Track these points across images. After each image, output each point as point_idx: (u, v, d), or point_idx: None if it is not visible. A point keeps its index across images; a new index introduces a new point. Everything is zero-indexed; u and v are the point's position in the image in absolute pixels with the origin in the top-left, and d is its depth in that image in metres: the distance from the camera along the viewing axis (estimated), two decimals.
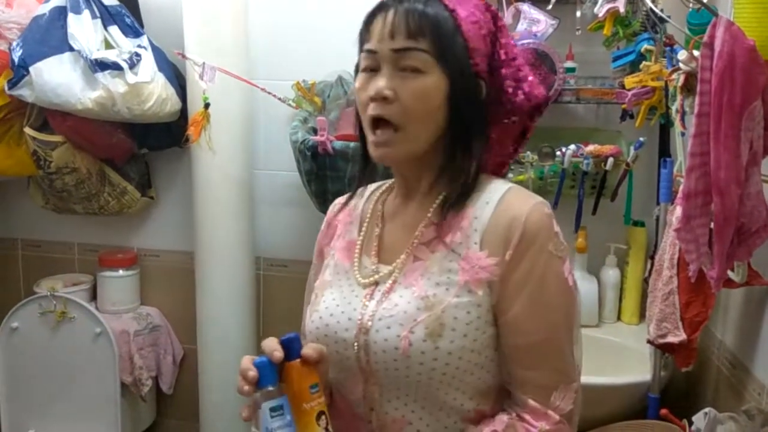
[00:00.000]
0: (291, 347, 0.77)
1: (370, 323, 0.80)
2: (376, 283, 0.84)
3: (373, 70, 0.80)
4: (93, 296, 2.15)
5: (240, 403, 0.81)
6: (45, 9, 1.77)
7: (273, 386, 0.74)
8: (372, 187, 0.96)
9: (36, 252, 2.28)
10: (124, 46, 1.79)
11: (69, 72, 1.72)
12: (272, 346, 0.76)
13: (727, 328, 1.46)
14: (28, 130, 1.85)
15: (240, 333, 1.97)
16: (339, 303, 0.86)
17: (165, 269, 2.18)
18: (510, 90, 0.83)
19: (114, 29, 1.80)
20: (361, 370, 0.82)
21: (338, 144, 1.67)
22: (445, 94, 0.79)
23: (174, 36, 1.85)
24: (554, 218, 0.80)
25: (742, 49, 0.96)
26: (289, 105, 1.84)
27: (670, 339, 1.35)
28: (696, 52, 1.19)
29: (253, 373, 0.74)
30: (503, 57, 0.83)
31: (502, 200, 0.80)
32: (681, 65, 1.27)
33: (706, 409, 1.20)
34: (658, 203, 1.55)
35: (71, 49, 1.72)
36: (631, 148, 1.67)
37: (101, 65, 1.71)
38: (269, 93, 1.82)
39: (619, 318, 1.81)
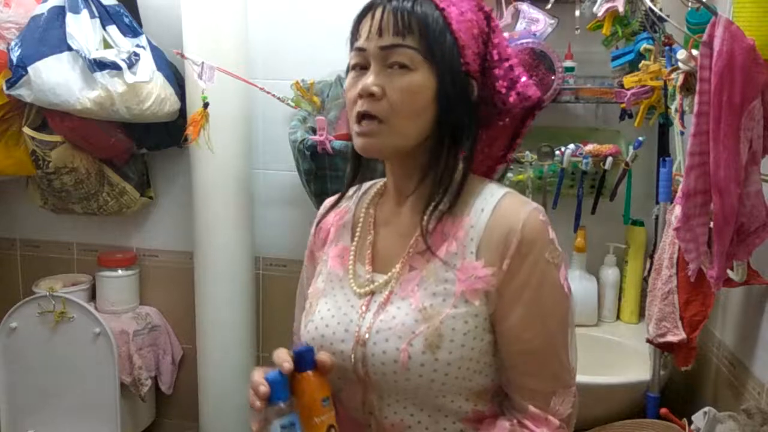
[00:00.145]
0: (304, 358, 0.76)
1: (367, 335, 0.80)
2: (372, 293, 0.83)
3: (362, 68, 0.80)
4: (92, 296, 2.14)
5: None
6: (43, 9, 1.77)
7: (284, 402, 0.73)
8: (364, 187, 0.95)
9: (35, 252, 2.28)
10: (122, 45, 1.79)
11: (67, 72, 1.72)
12: (282, 357, 0.75)
13: (727, 327, 1.46)
14: (26, 130, 1.85)
15: (239, 333, 1.97)
16: (334, 313, 0.85)
17: (164, 269, 2.18)
18: (503, 90, 0.82)
19: (112, 29, 1.80)
20: (359, 379, 0.82)
21: (337, 143, 1.67)
22: (433, 92, 0.78)
23: (173, 36, 1.85)
24: (549, 224, 0.80)
25: (741, 48, 0.96)
26: (288, 105, 1.84)
27: (670, 338, 1.35)
28: (695, 52, 1.19)
29: (264, 388, 0.73)
30: (496, 57, 0.82)
31: (497, 207, 0.80)
32: (680, 64, 1.27)
33: (706, 408, 1.20)
34: (657, 202, 1.55)
35: (70, 48, 1.72)
36: (630, 147, 1.67)
37: (100, 65, 1.71)
38: (268, 93, 1.81)
39: (618, 317, 1.81)
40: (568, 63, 1.70)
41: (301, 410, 0.75)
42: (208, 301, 1.94)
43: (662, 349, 1.41)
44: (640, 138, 1.64)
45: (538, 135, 1.77)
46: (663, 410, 1.34)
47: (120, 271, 2.10)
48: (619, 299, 1.80)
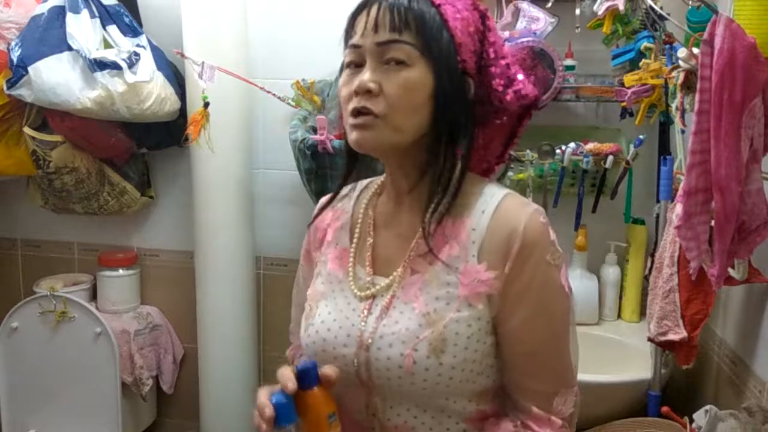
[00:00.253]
0: (308, 375, 0.75)
1: (370, 341, 0.79)
2: (373, 296, 0.83)
3: (357, 66, 0.79)
4: (93, 296, 2.14)
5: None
6: (43, 8, 1.77)
7: (290, 425, 0.72)
8: (360, 186, 0.93)
9: (35, 252, 2.28)
10: (122, 45, 1.79)
11: (68, 71, 1.72)
12: (287, 376, 0.74)
13: (728, 325, 1.46)
14: (27, 130, 1.85)
15: (240, 332, 1.97)
16: (336, 317, 0.84)
17: (165, 268, 2.18)
18: (500, 89, 0.82)
19: (113, 29, 1.80)
20: (362, 383, 0.81)
21: (338, 143, 1.67)
22: (430, 89, 0.77)
23: (173, 35, 1.85)
24: (549, 226, 0.80)
25: (742, 46, 0.95)
26: (289, 104, 1.84)
27: (671, 336, 1.35)
28: (696, 50, 1.18)
29: (269, 411, 0.72)
30: (492, 55, 0.82)
31: (498, 209, 0.79)
32: (681, 63, 1.27)
33: (707, 407, 1.20)
34: (658, 201, 1.55)
35: (70, 48, 1.72)
36: (631, 145, 1.67)
37: (100, 65, 1.71)
38: (268, 92, 1.81)
39: (619, 316, 1.81)
40: (569, 61, 1.70)
41: (307, 428, 0.74)
42: (209, 300, 1.94)
43: (663, 347, 1.41)
44: (641, 136, 1.64)
45: (539, 134, 1.77)
46: (664, 408, 1.35)
47: (121, 271, 2.10)
48: (620, 298, 1.80)
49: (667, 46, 1.50)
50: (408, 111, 0.77)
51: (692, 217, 1.08)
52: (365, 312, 0.82)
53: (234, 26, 1.84)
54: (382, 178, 0.91)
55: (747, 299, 1.36)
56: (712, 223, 1.07)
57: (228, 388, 1.96)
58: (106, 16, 1.80)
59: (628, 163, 1.68)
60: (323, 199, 0.96)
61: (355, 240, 0.88)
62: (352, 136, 0.79)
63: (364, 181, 0.94)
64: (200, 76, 1.69)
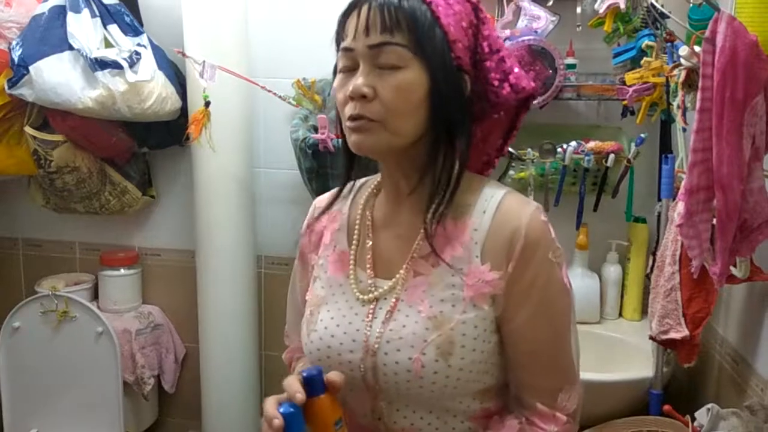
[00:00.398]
0: (314, 383, 0.74)
1: (377, 345, 0.79)
2: (376, 300, 0.82)
3: (351, 70, 0.78)
4: (94, 295, 2.15)
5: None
6: (44, 8, 1.77)
7: None
8: (356, 185, 0.92)
9: (37, 251, 2.28)
10: (123, 44, 1.79)
11: (69, 71, 1.72)
12: (294, 387, 0.73)
13: (729, 324, 1.46)
14: (28, 130, 1.85)
15: (241, 331, 1.97)
16: (339, 322, 0.83)
17: (166, 268, 2.18)
18: (496, 83, 0.80)
19: (113, 28, 1.80)
20: (367, 388, 0.81)
21: (339, 142, 1.66)
22: (426, 90, 0.76)
23: (174, 34, 1.85)
24: (549, 223, 0.80)
25: (744, 44, 0.95)
26: (290, 103, 1.84)
27: (673, 335, 1.35)
28: (697, 48, 1.18)
29: (278, 422, 0.71)
30: (486, 50, 0.80)
31: (499, 209, 0.79)
32: (682, 61, 1.27)
33: (709, 405, 1.20)
34: (659, 199, 1.54)
35: (71, 48, 1.72)
36: (632, 144, 1.67)
37: (101, 64, 1.71)
38: (269, 91, 1.81)
39: (620, 314, 1.81)
40: (570, 60, 1.70)
41: None
42: (211, 299, 1.94)
43: (665, 346, 1.41)
44: (642, 135, 1.64)
45: (540, 132, 1.77)
46: (666, 407, 1.34)
47: (122, 270, 2.10)
48: (622, 296, 1.80)
49: (669, 44, 1.50)
50: (405, 113, 0.76)
51: (694, 215, 1.08)
52: (369, 316, 0.81)
53: (235, 25, 1.84)
54: (378, 177, 0.90)
55: (749, 298, 1.36)
56: (714, 221, 1.07)
57: (229, 387, 1.96)
58: (107, 16, 1.80)
59: (629, 161, 1.68)
60: (318, 201, 0.95)
61: (354, 242, 0.87)
62: (351, 139, 0.78)
63: (360, 181, 0.93)
64: (201, 75, 1.69)
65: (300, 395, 0.72)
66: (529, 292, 0.77)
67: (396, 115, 0.76)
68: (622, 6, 1.53)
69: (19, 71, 1.72)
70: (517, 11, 1.69)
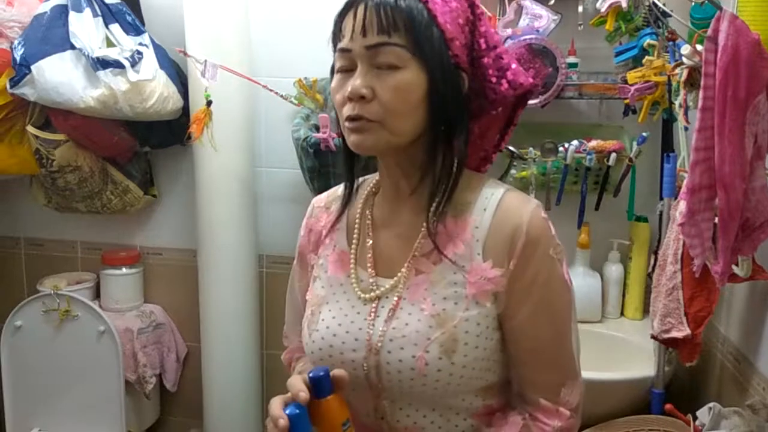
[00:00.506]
0: (321, 384, 0.73)
1: (380, 344, 0.79)
2: (378, 298, 0.82)
3: (348, 70, 0.78)
4: (96, 294, 2.15)
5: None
6: (46, 7, 1.77)
7: None
8: (356, 184, 0.92)
9: (39, 251, 2.29)
10: (125, 44, 1.79)
11: (71, 70, 1.72)
12: (298, 386, 0.73)
13: (731, 323, 1.45)
14: (30, 129, 1.85)
15: (243, 330, 1.98)
16: (340, 321, 0.83)
17: (168, 267, 2.18)
18: (493, 79, 0.80)
19: (115, 27, 1.80)
20: (371, 387, 0.81)
21: (340, 141, 1.66)
22: (424, 89, 0.76)
23: (175, 34, 1.85)
24: (549, 220, 0.80)
25: (746, 42, 0.95)
26: (291, 102, 1.84)
27: (674, 334, 1.34)
28: (699, 47, 1.18)
29: (284, 422, 0.70)
30: (483, 46, 0.80)
31: (500, 206, 0.79)
32: (684, 60, 1.26)
33: (711, 404, 1.20)
34: (661, 198, 1.54)
35: (73, 47, 1.72)
36: (634, 143, 1.67)
37: (103, 63, 1.71)
38: (271, 90, 1.81)
39: (622, 313, 1.81)
40: (572, 59, 1.70)
41: None
42: (212, 298, 1.94)
43: (667, 345, 1.41)
44: (644, 134, 1.64)
45: (542, 131, 1.77)
46: (668, 406, 1.34)
47: (124, 270, 2.10)
48: (623, 295, 1.80)
49: (671, 43, 1.50)
50: (404, 113, 0.76)
51: (696, 214, 1.08)
52: (372, 315, 0.81)
53: (236, 24, 1.84)
54: (376, 176, 0.90)
55: (751, 296, 1.36)
56: (716, 220, 1.07)
57: (231, 385, 1.96)
58: (109, 15, 1.80)
59: (631, 160, 1.68)
60: (317, 200, 0.96)
61: (354, 241, 0.87)
62: (351, 139, 0.78)
63: (358, 180, 0.93)
64: (203, 74, 1.69)
65: (303, 394, 0.72)
66: (530, 289, 0.78)
67: (395, 115, 0.75)
68: (624, 5, 1.53)
69: (21, 70, 1.72)
70: (519, 10, 1.69)
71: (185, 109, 1.89)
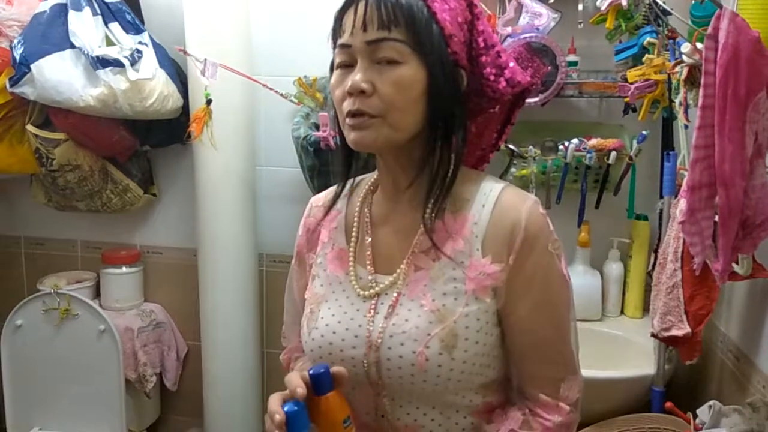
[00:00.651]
0: (322, 381, 0.73)
1: (380, 340, 0.79)
2: (377, 295, 0.82)
3: (348, 66, 0.78)
4: (96, 293, 2.15)
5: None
6: (45, 6, 1.76)
7: None
8: (354, 182, 0.92)
9: (39, 250, 2.29)
10: (125, 42, 1.79)
11: (70, 69, 1.72)
12: (296, 382, 0.73)
13: (731, 321, 1.46)
14: (30, 128, 1.85)
15: (243, 329, 1.98)
16: (340, 318, 0.83)
17: (168, 266, 2.18)
18: (492, 78, 0.81)
19: (115, 26, 1.80)
20: (371, 384, 0.81)
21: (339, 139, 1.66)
22: (424, 85, 0.76)
23: (175, 32, 1.85)
24: (547, 216, 0.80)
25: (746, 40, 0.95)
26: (291, 101, 1.84)
27: (675, 332, 1.35)
28: (699, 45, 1.18)
29: (280, 417, 0.70)
30: (482, 44, 0.81)
31: (498, 202, 0.79)
32: (684, 58, 1.27)
33: (711, 402, 1.20)
34: (661, 197, 1.54)
35: (72, 46, 1.72)
36: (634, 141, 1.67)
37: (102, 62, 1.71)
38: (271, 89, 1.81)
39: (622, 312, 1.81)
40: (572, 57, 1.70)
41: None
42: (212, 297, 1.94)
43: (667, 343, 1.41)
44: (644, 132, 1.64)
45: (542, 130, 1.77)
46: (668, 404, 1.35)
47: (124, 268, 2.10)
48: (623, 294, 1.80)
49: (671, 41, 1.50)
50: (404, 108, 0.76)
51: (696, 212, 1.08)
52: (371, 311, 0.81)
53: (236, 23, 1.83)
54: (374, 174, 0.90)
55: (751, 295, 1.36)
56: (716, 218, 1.07)
57: (231, 384, 1.96)
58: (108, 14, 1.80)
59: (631, 158, 1.67)
60: (315, 200, 0.96)
61: (352, 239, 0.87)
62: (350, 136, 0.78)
63: (356, 179, 0.93)
64: (203, 73, 1.69)
65: (301, 390, 0.72)
66: (529, 284, 0.78)
67: (395, 110, 0.76)
68: (624, 3, 1.53)
69: (20, 69, 1.72)
70: (519, 8, 1.69)
71: (185, 108, 1.89)
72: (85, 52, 1.71)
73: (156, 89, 1.79)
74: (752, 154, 1.02)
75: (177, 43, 1.80)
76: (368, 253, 0.85)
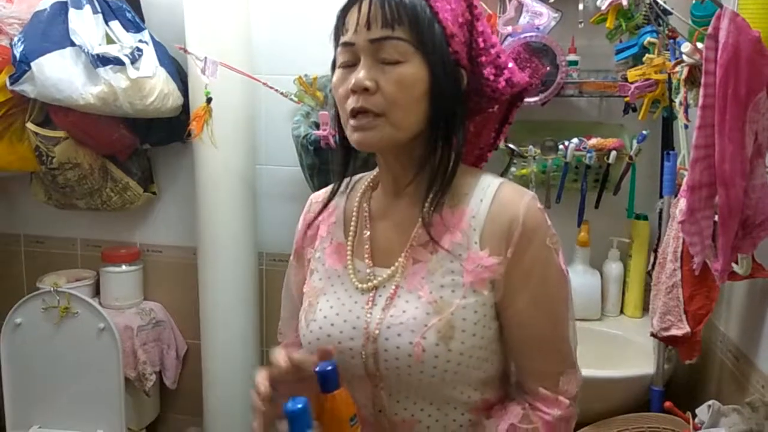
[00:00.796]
0: (329, 378, 0.73)
1: (377, 331, 0.79)
2: (375, 288, 0.83)
3: (351, 65, 0.78)
4: (96, 292, 2.15)
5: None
6: (46, 4, 1.77)
7: (308, 431, 0.70)
8: (353, 180, 0.93)
9: (39, 248, 2.29)
10: (125, 41, 1.79)
11: (71, 67, 1.72)
12: (280, 357, 0.76)
13: (731, 320, 1.46)
14: (30, 126, 1.85)
15: (243, 328, 1.98)
16: (338, 311, 0.83)
17: (168, 264, 2.19)
18: (491, 77, 0.82)
19: (115, 24, 1.80)
20: (369, 376, 0.81)
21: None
22: (426, 84, 0.77)
23: (175, 31, 1.85)
24: (545, 211, 0.81)
25: (747, 40, 0.95)
26: (291, 100, 1.84)
27: (674, 332, 1.35)
28: (700, 45, 1.18)
29: (264, 388, 0.75)
30: (482, 45, 0.82)
31: (496, 197, 0.80)
32: (684, 57, 1.27)
33: (710, 402, 1.20)
34: (661, 196, 1.54)
35: (73, 44, 1.72)
36: (634, 141, 1.67)
37: (103, 60, 1.71)
38: (271, 88, 1.81)
39: (622, 311, 1.81)
40: (572, 57, 1.70)
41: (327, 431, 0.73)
42: (212, 296, 1.94)
43: (666, 342, 1.41)
44: (644, 132, 1.64)
45: (542, 129, 1.77)
46: (667, 404, 1.35)
47: (124, 267, 2.10)
48: (623, 293, 1.80)
49: (671, 40, 1.50)
50: (406, 107, 0.77)
51: (696, 212, 1.08)
52: (369, 303, 0.82)
53: (237, 22, 1.83)
54: (374, 172, 0.91)
55: (750, 294, 1.36)
56: (716, 218, 1.07)
57: (231, 383, 1.96)
58: (109, 12, 1.80)
59: (631, 158, 1.68)
60: (314, 197, 0.96)
61: (351, 233, 0.88)
62: (354, 137, 0.79)
63: (355, 177, 0.94)
64: (203, 71, 1.69)
65: (285, 363, 0.75)
66: (528, 277, 0.78)
67: (398, 108, 0.76)
68: (625, 2, 1.53)
69: (20, 67, 1.72)
70: (519, 8, 1.69)
71: (185, 107, 1.89)
72: (86, 50, 1.71)
73: (156, 87, 1.79)
74: (752, 154, 1.02)
75: (177, 42, 1.79)
76: (366, 246, 0.86)
